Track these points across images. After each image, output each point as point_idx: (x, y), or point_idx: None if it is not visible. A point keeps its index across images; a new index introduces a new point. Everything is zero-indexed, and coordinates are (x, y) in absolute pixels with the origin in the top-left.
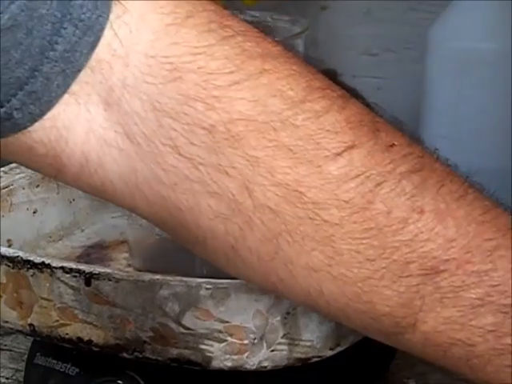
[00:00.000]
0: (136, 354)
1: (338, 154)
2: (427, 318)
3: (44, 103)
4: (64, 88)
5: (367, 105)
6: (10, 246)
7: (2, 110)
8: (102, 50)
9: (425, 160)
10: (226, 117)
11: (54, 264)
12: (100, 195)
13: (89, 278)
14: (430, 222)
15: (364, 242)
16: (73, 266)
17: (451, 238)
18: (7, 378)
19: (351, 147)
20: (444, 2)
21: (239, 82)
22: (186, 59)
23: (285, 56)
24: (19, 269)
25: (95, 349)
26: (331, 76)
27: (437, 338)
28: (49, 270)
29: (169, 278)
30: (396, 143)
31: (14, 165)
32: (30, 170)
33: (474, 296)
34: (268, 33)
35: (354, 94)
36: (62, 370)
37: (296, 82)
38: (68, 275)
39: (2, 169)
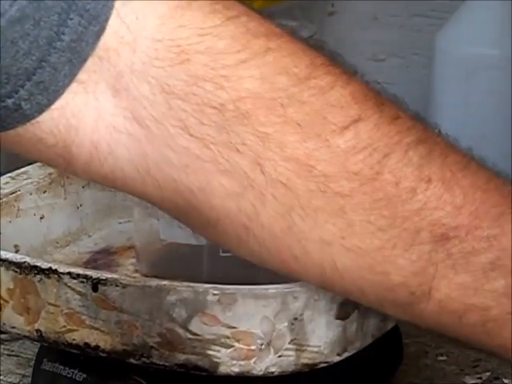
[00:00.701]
0: (143, 359)
1: (345, 128)
2: (441, 286)
3: (51, 93)
4: (71, 77)
5: None
6: (17, 252)
7: (11, 100)
8: (109, 39)
9: (428, 133)
10: (234, 95)
11: (61, 269)
12: (110, 184)
13: (96, 284)
14: (438, 190)
15: (375, 212)
16: (80, 271)
17: (459, 206)
18: None
19: (357, 120)
20: (451, 8)
21: (246, 60)
22: (193, 41)
23: (287, 36)
24: (26, 274)
25: (102, 354)
26: None
27: (451, 305)
28: (56, 276)
29: (176, 283)
30: (401, 116)
31: (21, 170)
32: (37, 176)
33: (484, 260)
34: None
35: None
36: (69, 375)
37: (300, 60)
38: (75, 281)
39: (9, 174)
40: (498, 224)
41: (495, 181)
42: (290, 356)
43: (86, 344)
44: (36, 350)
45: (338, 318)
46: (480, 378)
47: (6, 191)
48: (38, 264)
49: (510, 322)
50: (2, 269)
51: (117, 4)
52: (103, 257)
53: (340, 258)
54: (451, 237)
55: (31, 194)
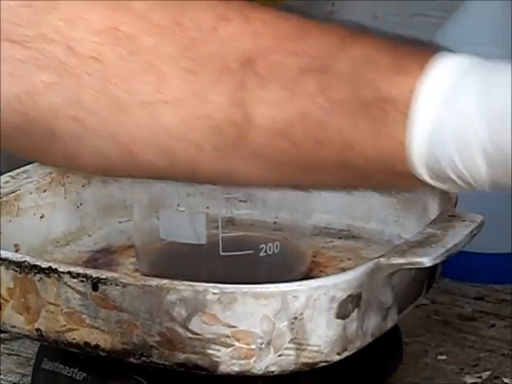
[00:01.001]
0: (143, 358)
1: None
2: (258, 108)
3: None
4: None
5: None
6: (17, 251)
7: None
8: None
9: None
10: None
11: (61, 269)
12: None
13: (96, 283)
14: (238, 24)
15: (183, 58)
16: (80, 270)
17: (261, 32)
18: (14, 383)
19: None
20: (451, 7)
21: None
22: None
23: None
24: (26, 274)
25: (102, 354)
26: None
27: (275, 126)
28: (56, 275)
29: (176, 282)
30: None
31: (21, 170)
32: (37, 175)
33: (293, 70)
34: None
35: None
36: (69, 374)
37: None
38: (75, 280)
39: (9, 173)
40: (303, 39)
41: (299, 17)
42: (289, 355)
43: (86, 343)
44: (36, 350)
45: (338, 317)
46: (480, 378)
47: (6, 190)
48: (38, 263)
49: (331, 123)
50: (2, 268)
51: None
52: (103, 256)
53: (165, 116)
54: (256, 58)
55: (31, 193)
